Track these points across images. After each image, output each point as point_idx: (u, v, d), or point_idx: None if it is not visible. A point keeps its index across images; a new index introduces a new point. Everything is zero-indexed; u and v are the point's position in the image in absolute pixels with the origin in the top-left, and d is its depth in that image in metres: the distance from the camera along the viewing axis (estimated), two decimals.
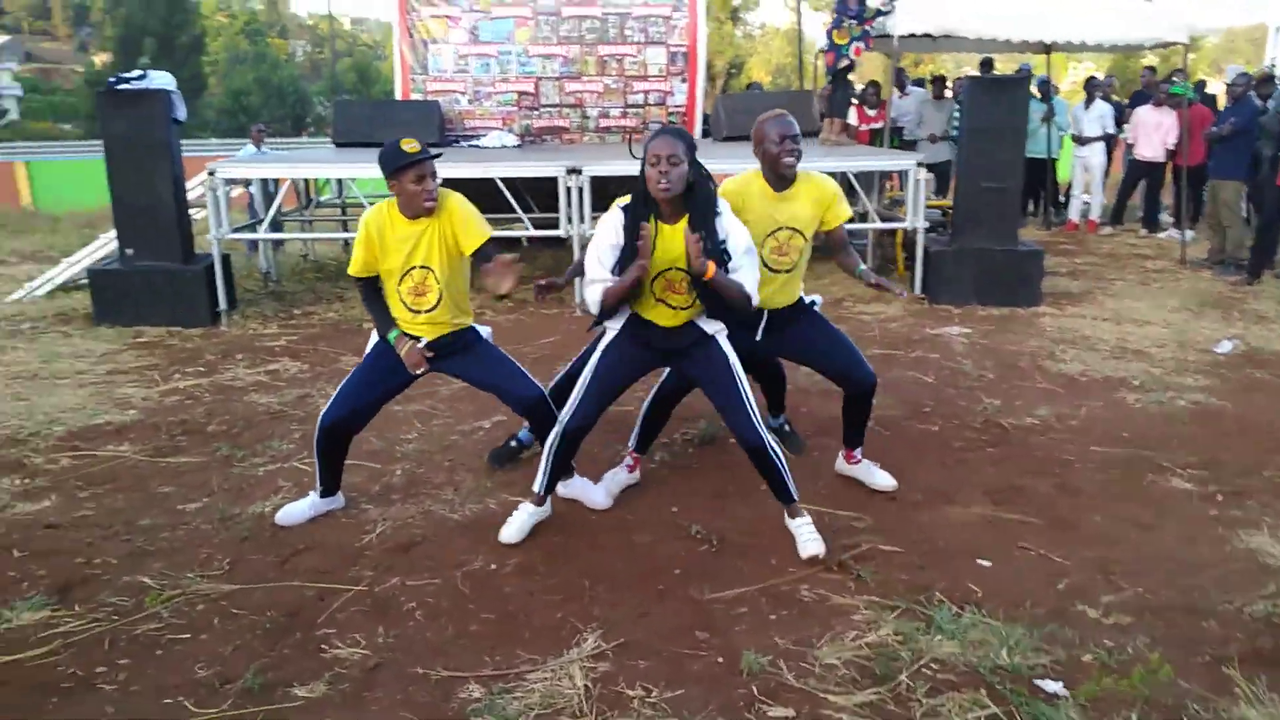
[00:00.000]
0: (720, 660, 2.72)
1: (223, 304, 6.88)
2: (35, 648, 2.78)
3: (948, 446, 4.34)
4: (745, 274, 3.16)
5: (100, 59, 46.11)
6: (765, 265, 3.53)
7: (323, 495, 3.67)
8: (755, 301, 3.21)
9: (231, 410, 4.91)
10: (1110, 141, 10.94)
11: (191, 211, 7.18)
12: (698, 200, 3.11)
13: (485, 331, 3.68)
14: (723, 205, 3.19)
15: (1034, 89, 10.99)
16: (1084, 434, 4.49)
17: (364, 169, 8.14)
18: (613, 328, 3.38)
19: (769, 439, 3.28)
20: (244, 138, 14.57)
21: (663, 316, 3.30)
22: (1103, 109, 10.70)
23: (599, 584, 3.12)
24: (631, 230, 3.11)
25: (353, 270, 3.52)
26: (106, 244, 7.77)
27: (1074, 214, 10.88)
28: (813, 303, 3.77)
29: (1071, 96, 17.22)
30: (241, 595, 3.07)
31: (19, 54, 67.90)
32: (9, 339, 6.44)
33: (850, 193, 7.87)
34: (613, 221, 3.18)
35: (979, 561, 3.30)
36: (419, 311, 3.48)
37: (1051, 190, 11.31)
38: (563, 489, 3.71)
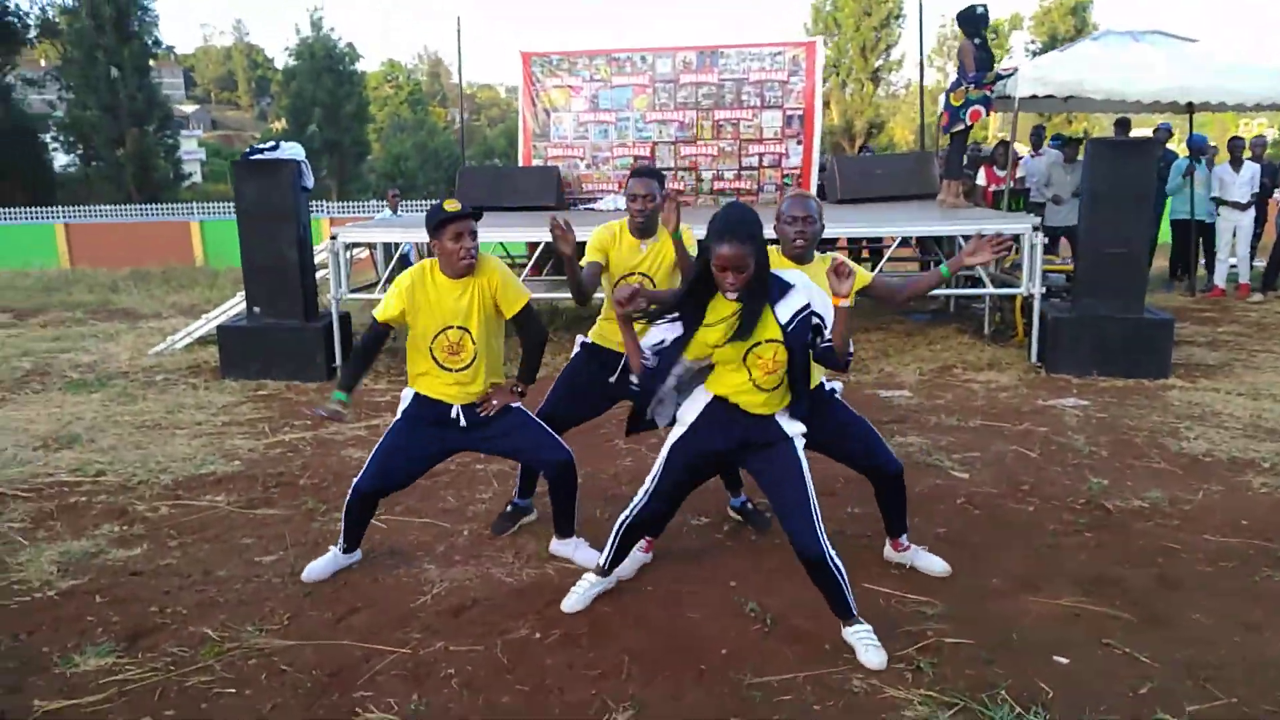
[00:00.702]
0: None
1: (339, 360, 7.17)
2: (93, 694, 2.89)
3: (1040, 529, 4.07)
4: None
5: (277, 126, 49.54)
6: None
7: (345, 552, 3.76)
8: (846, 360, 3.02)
9: (326, 464, 5.08)
10: (1263, 203, 10.28)
11: (321, 273, 7.57)
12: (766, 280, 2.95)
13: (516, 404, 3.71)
14: (793, 276, 3.02)
15: (1184, 149, 10.50)
16: (1197, 521, 4.14)
17: (488, 233, 8.41)
18: (691, 413, 3.17)
19: (830, 552, 3.04)
20: (405, 199, 15.41)
21: (747, 394, 3.07)
22: (1252, 169, 10.08)
23: (640, 660, 3.03)
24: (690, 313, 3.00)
25: (379, 315, 3.59)
26: (240, 302, 8.24)
27: (1220, 279, 10.21)
28: (833, 390, 3.62)
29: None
30: (293, 651, 3.13)
31: (205, 122, 73.84)
32: (143, 389, 6.88)
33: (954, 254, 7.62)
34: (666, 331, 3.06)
35: (1055, 659, 3.05)
36: (451, 370, 3.54)
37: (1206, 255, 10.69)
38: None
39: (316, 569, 3.70)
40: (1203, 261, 10.82)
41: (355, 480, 3.62)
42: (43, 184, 34.41)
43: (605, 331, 3.93)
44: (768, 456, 3.13)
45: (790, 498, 3.07)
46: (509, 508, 4.20)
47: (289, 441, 5.55)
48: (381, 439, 3.66)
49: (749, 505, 4.22)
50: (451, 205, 3.39)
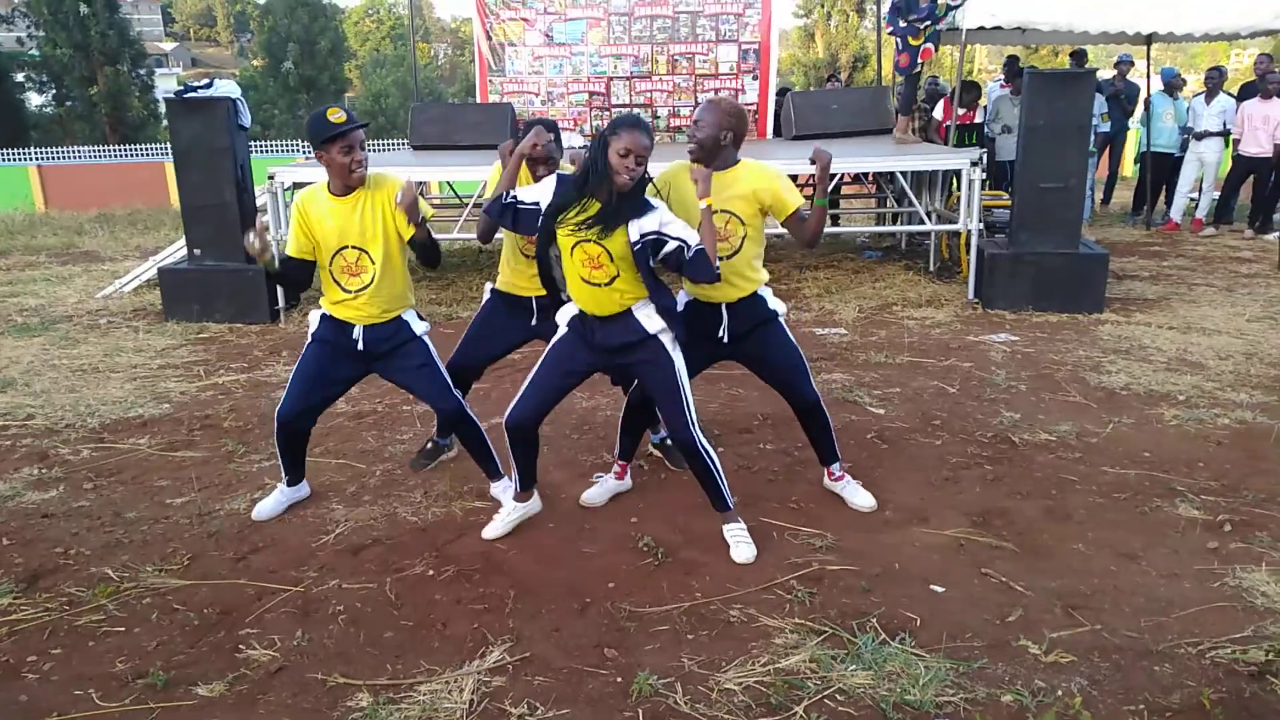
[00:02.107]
0: (618, 680, 2.66)
1: (281, 302, 7.17)
2: None
3: (943, 462, 4.14)
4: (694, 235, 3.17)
5: (256, 63, 48.66)
6: None
7: (289, 485, 3.79)
8: (716, 269, 3.17)
9: (255, 406, 5.11)
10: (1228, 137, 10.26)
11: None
12: (635, 191, 3.11)
13: (422, 328, 3.68)
14: (659, 203, 3.18)
15: (1160, 83, 10.44)
16: (1100, 453, 4.22)
17: (438, 171, 8.35)
18: (563, 323, 3.38)
19: (703, 441, 3.28)
20: (383, 139, 15.15)
21: (587, 298, 3.23)
22: (1225, 103, 10.04)
23: (526, 595, 3.11)
24: (564, 194, 3.16)
25: (290, 251, 3.55)
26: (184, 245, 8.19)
27: (1176, 213, 10.23)
28: (775, 313, 3.62)
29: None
30: (188, 591, 3.19)
31: (184, 59, 72.47)
32: (85, 333, 6.88)
33: (904, 193, 7.62)
34: (548, 185, 3.24)
35: (931, 587, 3.14)
36: (352, 291, 3.49)
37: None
38: (493, 491, 3.84)
39: (265, 507, 3.74)
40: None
41: (276, 409, 3.64)
42: (16, 125, 33.84)
43: (510, 278, 3.92)
44: (636, 354, 3.28)
45: (660, 388, 3.27)
46: (428, 444, 4.25)
47: (222, 384, 5.58)
48: (295, 365, 3.67)
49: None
50: (337, 116, 3.27)
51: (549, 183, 3.25)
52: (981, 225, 6.84)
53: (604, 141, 3.09)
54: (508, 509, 3.56)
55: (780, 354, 3.60)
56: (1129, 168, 14.63)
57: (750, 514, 3.68)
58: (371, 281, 3.49)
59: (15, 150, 25.25)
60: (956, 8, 7.69)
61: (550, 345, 3.40)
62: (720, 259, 3.41)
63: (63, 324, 7.15)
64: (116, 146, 28.16)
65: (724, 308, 3.51)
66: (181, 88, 7.02)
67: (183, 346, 6.48)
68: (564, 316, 3.39)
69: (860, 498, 3.76)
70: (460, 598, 3.11)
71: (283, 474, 3.77)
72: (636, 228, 3.10)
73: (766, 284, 3.58)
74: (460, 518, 3.68)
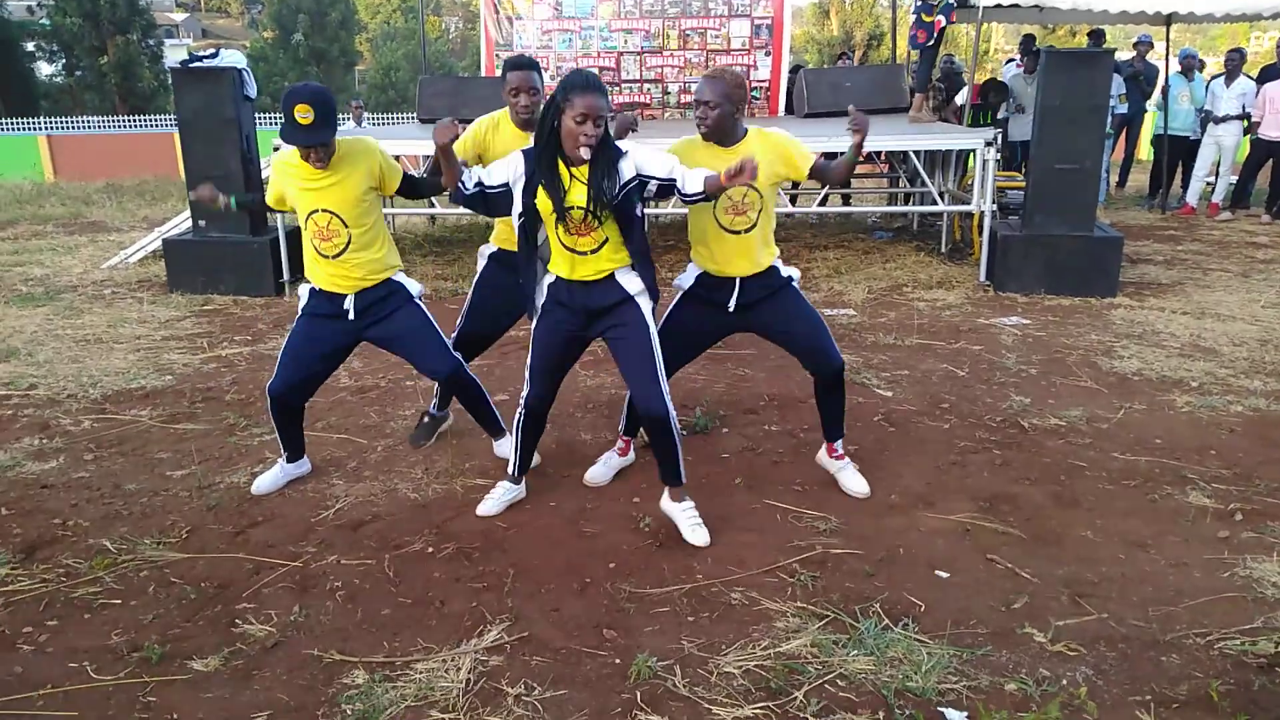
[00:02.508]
0: (617, 662, 2.63)
1: (286, 275, 7.13)
2: None
3: (951, 446, 4.09)
4: (690, 177, 3.10)
5: (267, 35, 48.44)
6: (720, 226, 3.39)
7: (289, 461, 3.76)
8: (705, 189, 3.08)
9: (256, 379, 5.07)
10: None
11: None
12: (606, 147, 3.04)
13: (415, 289, 3.65)
14: (627, 146, 3.10)
15: (1177, 64, 10.30)
16: (1110, 439, 4.16)
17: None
18: (540, 295, 3.31)
19: (673, 415, 3.23)
20: (394, 112, 14.99)
21: (571, 266, 3.17)
22: (1245, 85, 9.88)
23: (526, 574, 3.07)
24: (535, 173, 3.07)
25: (268, 200, 3.59)
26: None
27: (1192, 197, 10.10)
28: (789, 278, 3.56)
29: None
30: (185, 564, 3.17)
31: (195, 30, 72.20)
32: (90, 303, 6.85)
33: (916, 173, 7.52)
34: (515, 160, 3.15)
35: (936, 573, 3.10)
36: (327, 256, 3.46)
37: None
38: (496, 448, 3.89)
39: (265, 482, 3.72)
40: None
41: (268, 385, 3.61)
42: (26, 94, 33.76)
43: (505, 234, 3.85)
44: (616, 316, 3.22)
45: (633, 356, 3.22)
46: (424, 418, 4.21)
47: (225, 356, 5.55)
48: (286, 339, 3.63)
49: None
50: (303, 117, 3.18)
51: (514, 158, 3.14)
52: (995, 206, 6.74)
53: (556, 109, 2.98)
54: (502, 488, 3.53)
55: (800, 317, 3.53)
56: (1146, 150, 14.45)
57: (754, 496, 3.65)
58: (347, 245, 3.46)
59: (25, 120, 25.20)
60: None
61: (534, 328, 3.32)
62: (737, 233, 3.38)
63: (67, 294, 7.13)
64: (126, 117, 28.05)
65: (738, 280, 3.45)
66: (187, 57, 6.95)
67: (187, 318, 6.45)
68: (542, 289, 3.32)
69: (854, 483, 3.69)
70: (459, 576, 3.07)
71: (282, 449, 3.73)
72: (617, 177, 3.05)
73: (779, 257, 3.54)
74: (461, 495, 3.64)
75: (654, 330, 3.21)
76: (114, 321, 6.29)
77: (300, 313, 3.60)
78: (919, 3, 7.83)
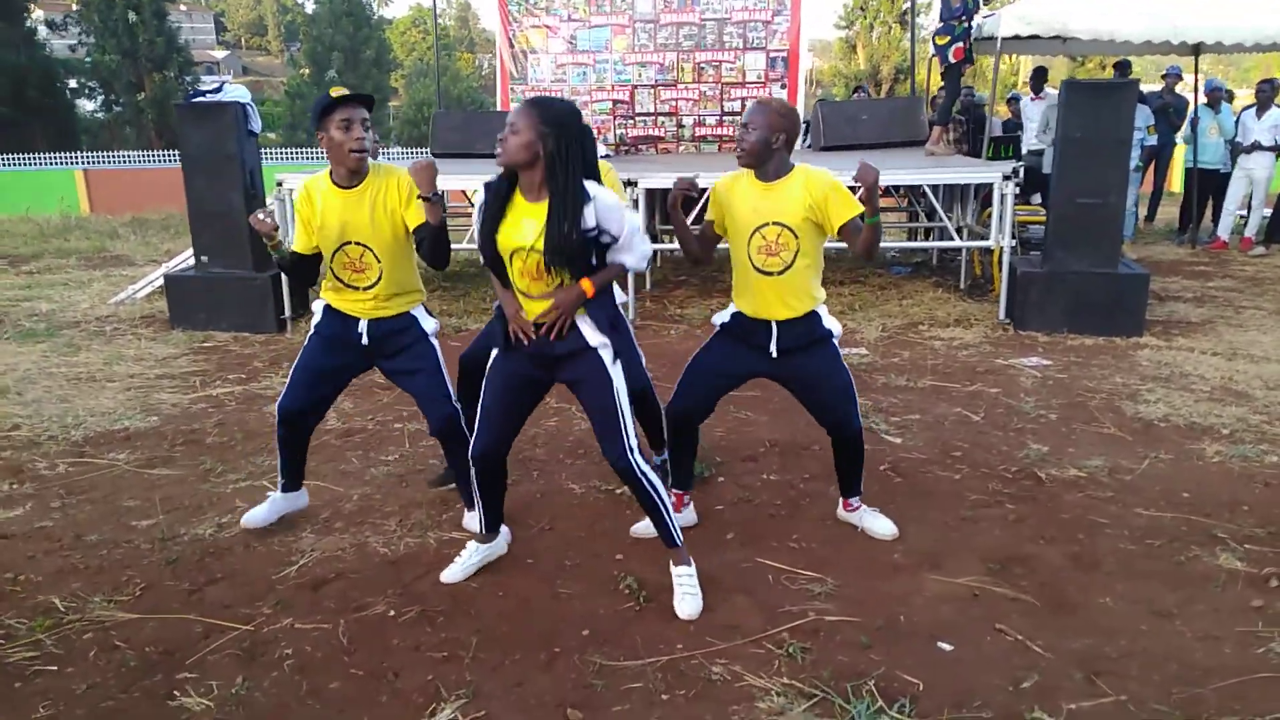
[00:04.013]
0: None
1: (288, 311, 7.00)
2: None
3: (961, 499, 3.83)
4: (626, 254, 2.92)
5: (305, 72, 49.22)
6: (752, 266, 3.21)
7: (285, 490, 3.60)
8: (642, 267, 3.00)
9: (242, 421, 4.91)
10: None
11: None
12: (558, 183, 2.75)
13: (431, 326, 3.47)
14: (598, 191, 2.82)
15: (1204, 96, 10.03)
16: (1134, 492, 3.88)
17: (459, 180, 8.10)
18: (499, 333, 3.07)
19: (643, 469, 2.98)
20: (424, 146, 14.98)
21: (528, 310, 2.94)
22: (1276, 116, 9.58)
23: (492, 643, 2.85)
24: (489, 205, 2.87)
25: (296, 247, 3.37)
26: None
27: (1224, 231, 9.77)
28: (829, 332, 3.34)
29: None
30: (133, 625, 2.97)
31: (235, 67, 73.61)
32: (90, 339, 6.75)
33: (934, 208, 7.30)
34: (478, 198, 2.96)
35: (939, 645, 2.84)
36: (357, 288, 3.31)
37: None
38: (466, 520, 3.58)
39: (256, 516, 3.58)
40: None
41: (277, 403, 3.43)
42: (66, 129, 34.39)
43: None
44: (575, 368, 2.98)
45: (595, 411, 2.99)
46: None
47: (215, 396, 5.39)
48: (298, 357, 3.46)
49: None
50: (337, 90, 3.11)
51: (478, 194, 2.96)
52: (1015, 242, 6.49)
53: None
54: (469, 551, 3.28)
55: (828, 376, 3.33)
56: (1177, 183, 14.11)
57: (746, 553, 3.41)
58: (378, 279, 3.31)
59: (62, 155, 25.57)
60: (985, 1, 7.35)
61: (489, 368, 3.09)
62: (770, 274, 3.18)
63: (69, 330, 7.04)
64: (161, 151, 28.42)
65: (774, 324, 3.25)
66: (192, 93, 6.89)
67: (184, 356, 6.32)
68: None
69: (880, 525, 3.51)
70: (419, 643, 2.85)
71: (279, 478, 3.58)
72: (580, 225, 2.80)
73: (823, 303, 3.33)
74: (434, 550, 3.43)
75: (617, 382, 2.97)
76: (110, 359, 6.17)
77: (313, 330, 3.44)
78: (938, 25, 7.63)
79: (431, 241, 3.18)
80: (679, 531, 3.10)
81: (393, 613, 3.03)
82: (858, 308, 7.26)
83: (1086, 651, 2.79)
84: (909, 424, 4.70)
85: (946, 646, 2.83)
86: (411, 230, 3.27)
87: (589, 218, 2.79)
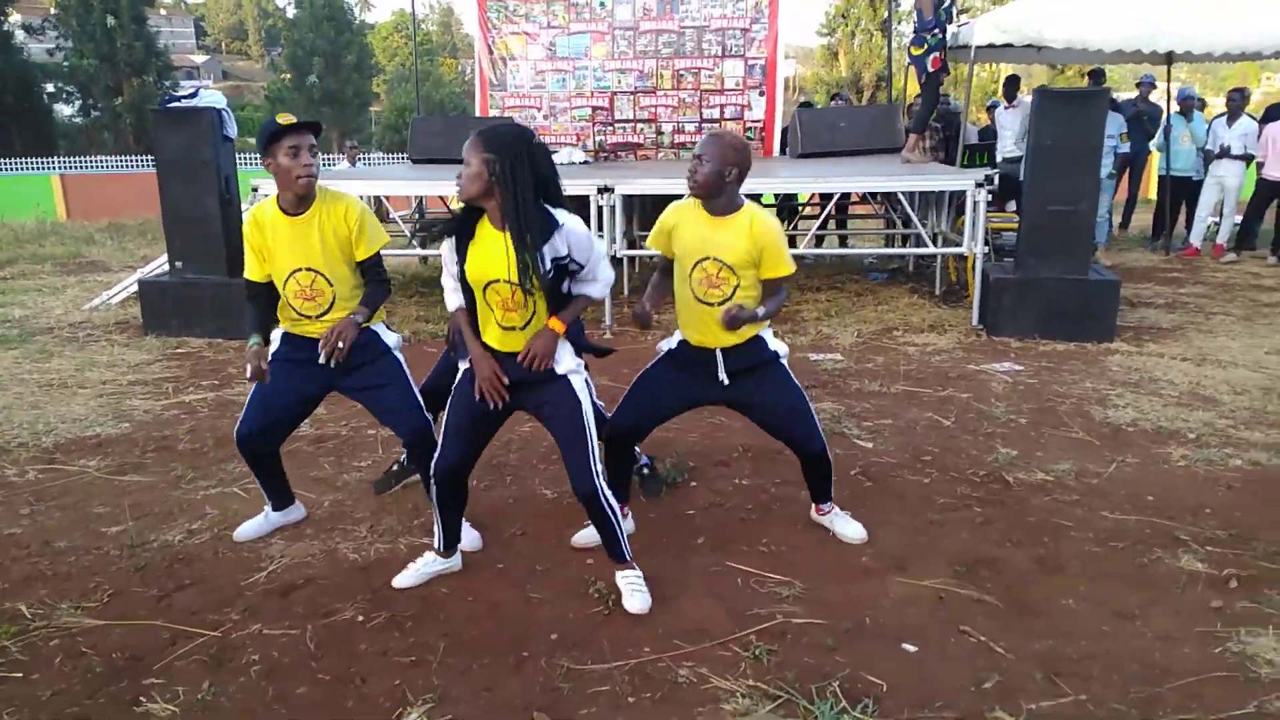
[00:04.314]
0: None
1: None
2: None
3: (930, 503, 3.87)
4: (590, 285, 2.99)
5: (286, 77, 49.04)
6: (694, 296, 3.24)
7: (275, 509, 3.61)
8: (605, 295, 3.09)
9: (215, 428, 4.90)
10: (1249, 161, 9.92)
11: None
12: (509, 204, 2.76)
13: (393, 340, 3.47)
14: (567, 218, 2.85)
15: (1176, 104, 10.15)
16: (1100, 496, 3.93)
17: (437, 186, 8.08)
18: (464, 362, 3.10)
19: (604, 490, 3.01)
20: (404, 152, 14.93)
21: (501, 339, 2.97)
22: (1247, 125, 9.71)
23: (459, 647, 2.85)
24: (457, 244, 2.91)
25: (250, 275, 3.32)
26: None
27: (1196, 238, 9.89)
28: (775, 354, 3.37)
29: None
30: (100, 632, 2.96)
31: (215, 72, 73.29)
32: (63, 346, 6.72)
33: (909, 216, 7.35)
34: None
35: (904, 646, 2.87)
36: (311, 316, 3.30)
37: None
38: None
39: (248, 529, 3.59)
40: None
41: (235, 430, 3.43)
42: (43, 134, 34.16)
43: None
44: (542, 394, 3.01)
45: (563, 436, 3.01)
46: (394, 466, 4.03)
47: (188, 403, 5.38)
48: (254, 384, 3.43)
49: (646, 469, 4.02)
50: (285, 118, 3.12)
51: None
52: (989, 249, 6.55)
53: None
54: (426, 560, 3.26)
55: (780, 397, 3.36)
56: (1151, 191, 14.27)
57: (716, 557, 3.43)
58: (331, 304, 3.30)
59: (39, 160, 25.41)
60: (959, 11, 7.43)
61: (455, 386, 3.10)
62: (711, 305, 3.21)
63: (41, 336, 7.00)
64: (139, 157, 28.27)
65: (718, 352, 3.28)
66: (166, 98, 6.87)
67: (157, 362, 6.29)
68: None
69: (849, 529, 3.55)
70: (387, 648, 2.86)
71: (266, 499, 3.60)
72: (550, 251, 2.83)
73: (768, 326, 3.36)
74: (404, 555, 3.43)
75: (586, 406, 3.00)
76: (82, 365, 6.14)
77: (270, 358, 3.39)
78: (911, 37, 7.71)
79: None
80: (628, 546, 3.13)
81: (361, 618, 3.03)
82: (834, 313, 7.31)
83: (1048, 653, 2.82)
84: (881, 429, 4.74)
85: (911, 648, 2.86)
86: (358, 262, 3.31)
87: (560, 245, 2.82)
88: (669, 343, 3.41)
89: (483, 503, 3.91)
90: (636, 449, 3.87)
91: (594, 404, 3.44)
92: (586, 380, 3.06)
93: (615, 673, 2.73)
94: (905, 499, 3.92)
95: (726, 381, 3.30)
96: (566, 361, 2.98)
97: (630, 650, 2.84)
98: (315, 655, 2.83)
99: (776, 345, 3.36)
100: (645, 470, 3.99)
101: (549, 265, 2.82)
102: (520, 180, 2.74)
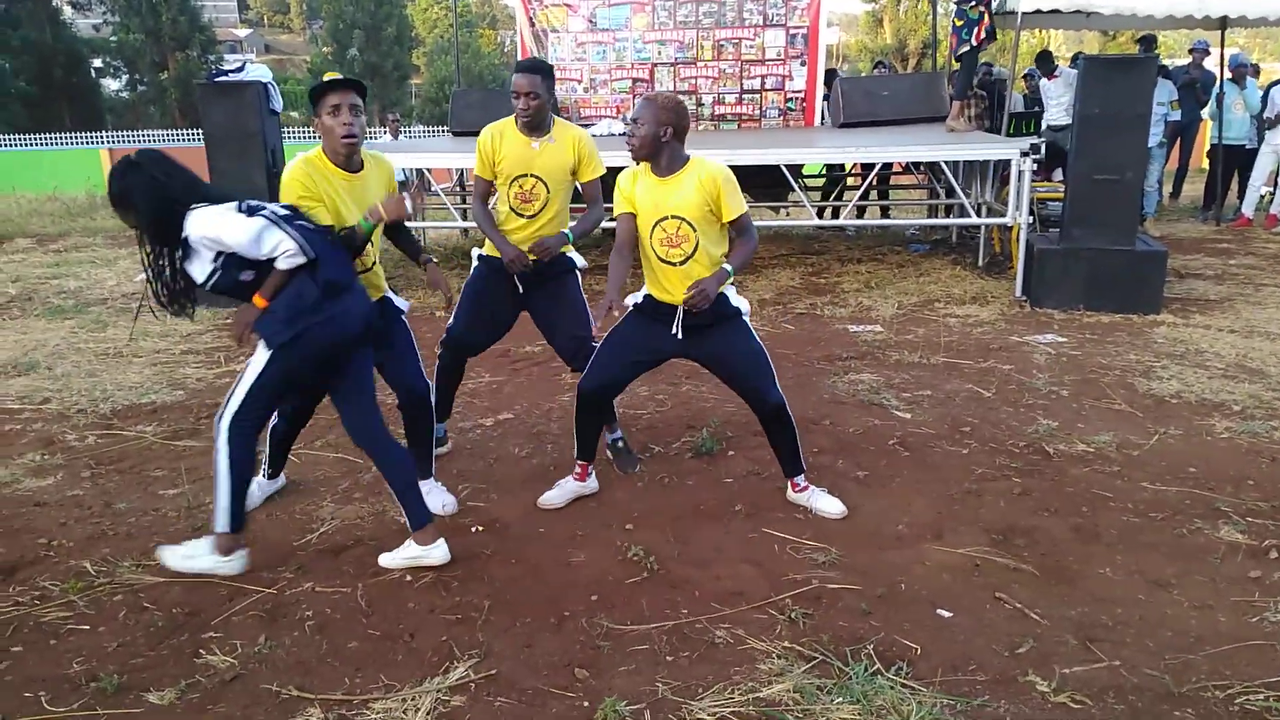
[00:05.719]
0: (585, 704, 2.49)
1: None
2: None
3: (968, 473, 3.88)
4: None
5: (326, 50, 49.32)
6: (656, 256, 3.34)
7: (269, 478, 3.72)
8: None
9: None
10: None
11: None
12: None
13: (405, 305, 3.60)
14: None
15: (1229, 71, 9.92)
16: (1141, 467, 3.92)
17: (464, 159, 8.15)
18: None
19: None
20: (445, 125, 15.03)
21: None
22: None
23: (503, 606, 2.94)
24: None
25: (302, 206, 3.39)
26: None
27: (1248, 208, 9.69)
28: (737, 310, 3.41)
29: None
30: (160, 588, 3.09)
31: (258, 46, 73.83)
32: (117, 315, 6.90)
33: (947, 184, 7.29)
34: None
35: (938, 612, 2.91)
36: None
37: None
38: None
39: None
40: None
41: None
42: (91, 109, 34.72)
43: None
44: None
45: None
46: (619, 443, 4.06)
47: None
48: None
49: (620, 444, 4.06)
50: (329, 75, 3.23)
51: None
52: (1034, 219, 6.49)
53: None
54: (411, 548, 3.19)
55: (740, 352, 3.44)
56: (1203, 160, 13.98)
57: (753, 524, 3.49)
58: (372, 264, 3.40)
59: (88, 134, 25.84)
60: None
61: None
62: (673, 264, 3.33)
63: (96, 307, 7.19)
64: (185, 130, 28.65)
65: (680, 308, 3.34)
66: (214, 72, 6.99)
67: (208, 332, 6.45)
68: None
69: (829, 504, 3.55)
70: (434, 606, 2.96)
71: (265, 464, 3.71)
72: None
73: (731, 283, 3.40)
74: (449, 520, 3.53)
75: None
76: (136, 335, 6.31)
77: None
78: (954, 6, 7.62)
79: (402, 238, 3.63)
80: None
81: (409, 578, 3.13)
82: (874, 285, 7.29)
83: (1083, 619, 2.85)
84: (920, 400, 4.75)
85: (945, 613, 2.90)
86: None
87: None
88: (635, 297, 3.51)
89: (524, 470, 4.00)
90: (616, 429, 4.02)
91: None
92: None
93: (654, 633, 2.80)
94: (942, 469, 3.94)
95: (680, 335, 3.37)
96: (735, 301, 3.38)
97: (668, 612, 2.91)
98: (366, 612, 2.93)
99: (738, 301, 3.43)
100: (619, 444, 4.05)
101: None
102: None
